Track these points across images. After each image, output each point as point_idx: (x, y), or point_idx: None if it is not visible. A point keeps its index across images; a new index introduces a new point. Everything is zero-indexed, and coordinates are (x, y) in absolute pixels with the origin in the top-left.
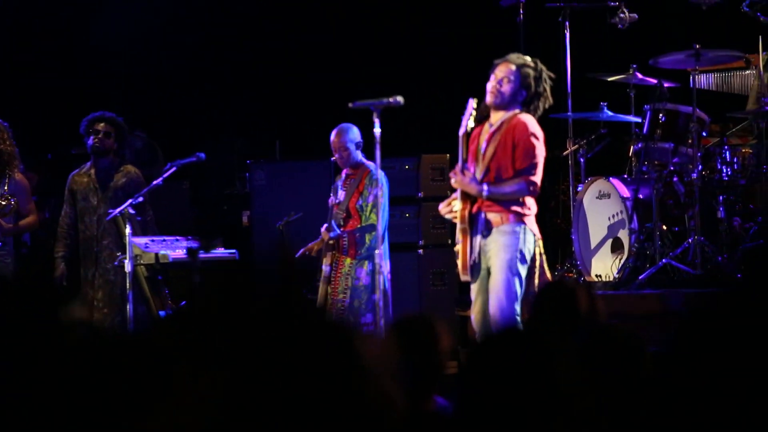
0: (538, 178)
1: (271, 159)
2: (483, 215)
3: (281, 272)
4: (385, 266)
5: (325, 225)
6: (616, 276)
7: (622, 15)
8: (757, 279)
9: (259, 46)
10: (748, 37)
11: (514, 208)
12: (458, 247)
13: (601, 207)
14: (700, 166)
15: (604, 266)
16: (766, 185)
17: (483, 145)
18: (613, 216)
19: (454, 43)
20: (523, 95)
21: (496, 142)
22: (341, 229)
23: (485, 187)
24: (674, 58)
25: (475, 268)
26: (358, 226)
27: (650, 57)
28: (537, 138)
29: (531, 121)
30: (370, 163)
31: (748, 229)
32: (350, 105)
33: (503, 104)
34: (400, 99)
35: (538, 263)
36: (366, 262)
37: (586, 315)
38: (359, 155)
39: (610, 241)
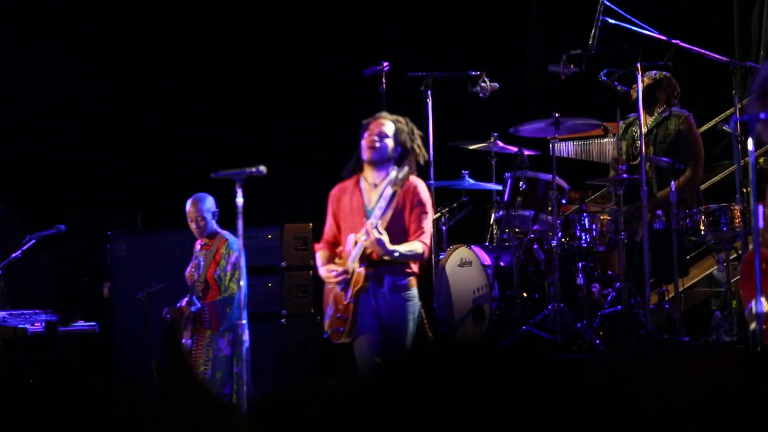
0: (430, 243)
1: (131, 230)
2: (384, 277)
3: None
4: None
5: (186, 299)
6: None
7: (483, 84)
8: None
9: (119, 117)
10: (606, 106)
11: (409, 270)
12: (342, 307)
13: (463, 274)
14: (559, 234)
15: (466, 333)
16: (623, 252)
17: (368, 203)
18: (475, 283)
19: (318, 112)
20: (398, 151)
21: (393, 205)
22: (201, 302)
23: (395, 248)
24: (534, 127)
25: (363, 327)
26: (218, 297)
27: (511, 125)
28: (429, 203)
29: (423, 186)
30: (225, 233)
31: (607, 296)
32: (212, 175)
33: (382, 160)
34: (262, 168)
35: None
36: (227, 332)
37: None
38: (215, 224)
39: (471, 308)
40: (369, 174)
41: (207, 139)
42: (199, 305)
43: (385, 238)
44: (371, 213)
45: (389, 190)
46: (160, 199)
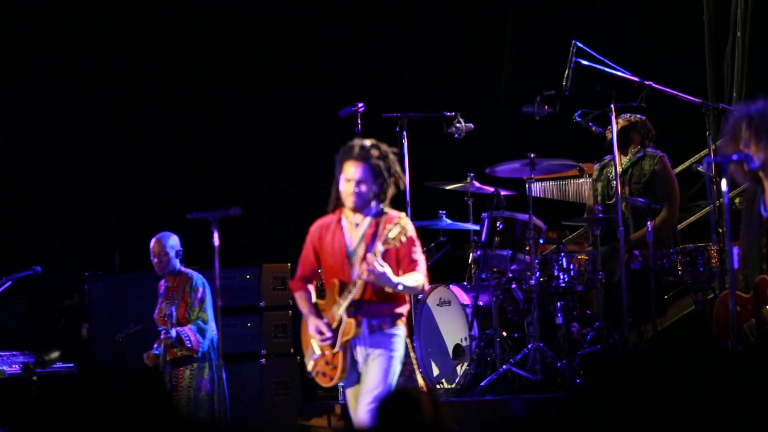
0: (426, 272)
1: (109, 271)
2: (367, 321)
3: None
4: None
5: (162, 332)
6: (458, 383)
7: (458, 125)
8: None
9: (95, 158)
10: (582, 147)
11: (398, 310)
12: (330, 355)
13: (442, 314)
14: (537, 273)
15: (446, 373)
16: (601, 291)
17: (350, 244)
18: (454, 323)
19: (294, 152)
20: (378, 186)
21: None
22: (175, 330)
23: (399, 280)
24: (510, 167)
25: (351, 379)
26: (190, 324)
27: (487, 166)
28: (415, 235)
29: (408, 220)
30: (188, 270)
31: (586, 335)
32: (188, 216)
33: (364, 204)
34: (237, 209)
35: (407, 364)
36: (206, 369)
37: (431, 424)
38: (178, 263)
39: (451, 347)
40: (350, 214)
41: (184, 179)
42: (173, 331)
43: (389, 270)
44: (353, 254)
45: (381, 247)
46: (137, 240)
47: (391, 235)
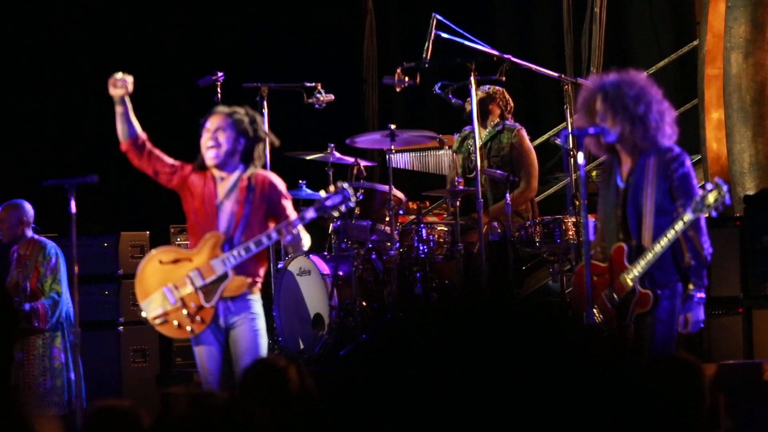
0: None
1: None
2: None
3: None
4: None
5: (15, 303)
6: (317, 352)
7: (318, 95)
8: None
9: None
10: (443, 119)
11: (261, 274)
12: (195, 307)
13: (302, 283)
14: (397, 244)
15: (306, 342)
16: (460, 262)
17: (220, 195)
18: (314, 292)
19: (153, 120)
20: (242, 143)
21: (250, 201)
22: (28, 304)
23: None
24: (370, 138)
25: (206, 338)
26: (43, 298)
27: (347, 136)
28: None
29: (277, 177)
30: (41, 238)
31: None
32: (43, 183)
33: (225, 160)
34: (95, 177)
35: None
36: (58, 338)
37: (297, 392)
38: (29, 232)
39: (311, 317)
40: (216, 171)
41: (41, 146)
42: (27, 305)
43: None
44: (221, 206)
45: (313, 213)
46: None
47: (332, 202)
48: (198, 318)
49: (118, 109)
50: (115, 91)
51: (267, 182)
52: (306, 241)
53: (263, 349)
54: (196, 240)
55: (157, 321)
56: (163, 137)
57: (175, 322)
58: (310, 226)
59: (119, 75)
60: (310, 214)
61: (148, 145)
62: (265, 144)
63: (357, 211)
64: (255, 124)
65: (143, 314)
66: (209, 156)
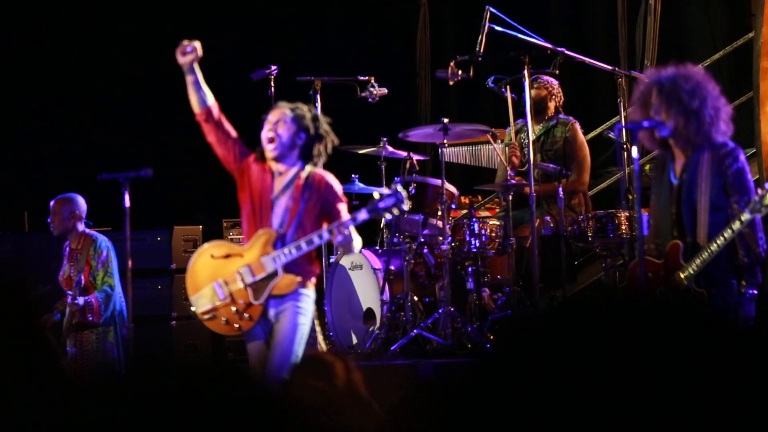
0: None
1: (19, 230)
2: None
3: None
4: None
5: (69, 298)
6: (369, 346)
7: (372, 89)
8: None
9: (5, 117)
10: (496, 112)
11: (313, 270)
12: (244, 305)
13: (354, 278)
14: (449, 238)
15: (357, 337)
16: (512, 257)
17: (275, 190)
18: (366, 287)
19: None
20: (302, 138)
21: (305, 198)
22: (82, 298)
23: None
24: (423, 132)
25: (256, 333)
26: (96, 292)
27: (400, 130)
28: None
29: (334, 179)
30: (92, 232)
31: (497, 300)
32: (98, 177)
33: (284, 151)
34: (149, 171)
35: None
36: (111, 333)
37: (344, 388)
38: (80, 226)
39: (363, 312)
40: (274, 165)
41: (96, 140)
42: (81, 299)
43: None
44: (276, 201)
45: (365, 215)
46: (47, 200)
47: (385, 204)
48: (246, 315)
49: (189, 78)
50: (183, 59)
51: (324, 182)
52: (357, 243)
53: (298, 345)
54: (249, 232)
55: (206, 316)
56: None
57: (224, 319)
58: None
59: (186, 41)
60: (363, 215)
61: (222, 117)
62: (326, 143)
63: (409, 205)
64: (317, 122)
65: (192, 309)
66: (268, 148)
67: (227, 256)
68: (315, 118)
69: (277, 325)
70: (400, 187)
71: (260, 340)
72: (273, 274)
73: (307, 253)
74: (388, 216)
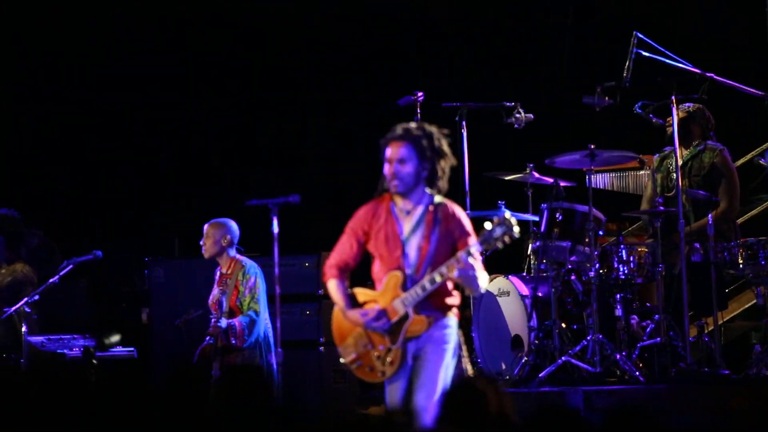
0: None
1: (169, 256)
2: (426, 316)
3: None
4: (273, 360)
5: (213, 320)
6: (516, 374)
7: (518, 115)
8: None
9: (157, 144)
10: (643, 138)
11: (450, 302)
12: (384, 351)
13: (502, 304)
14: (597, 265)
15: (505, 363)
16: (661, 284)
17: (404, 232)
18: (513, 313)
19: (353, 141)
20: (426, 168)
21: (436, 234)
22: (225, 320)
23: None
24: (570, 158)
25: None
26: (241, 316)
27: (546, 156)
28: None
29: (461, 211)
30: (242, 258)
31: (645, 327)
32: (247, 203)
33: (409, 188)
34: (297, 197)
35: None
36: (256, 359)
37: (496, 414)
38: (231, 251)
39: (510, 338)
40: (399, 201)
41: (245, 166)
42: (223, 322)
43: (483, 274)
44: (407, 242)
45: (479, 247)
46: (197, 226)
47: (496, 234)
48: (388, 360)
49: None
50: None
51: (451, 215)
52: (482, 281)
53: (442, 383)
54: (381, 276)
55: (353, 365)
56: (363, 159)
57: (368, 367)
58: (511, 247)
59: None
60: (475, 248)
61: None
62: (447, 157)
63: (556, 231)
64: (432, 140)
65: (341, 360)
66: (393, 184)
67: (364, 303)
68: (430, 137)
69: (418, 365)
70: (508, 214)
71: (399, 381)
72: (404, 317)
73: (441, 287)
74: (500, 245)
